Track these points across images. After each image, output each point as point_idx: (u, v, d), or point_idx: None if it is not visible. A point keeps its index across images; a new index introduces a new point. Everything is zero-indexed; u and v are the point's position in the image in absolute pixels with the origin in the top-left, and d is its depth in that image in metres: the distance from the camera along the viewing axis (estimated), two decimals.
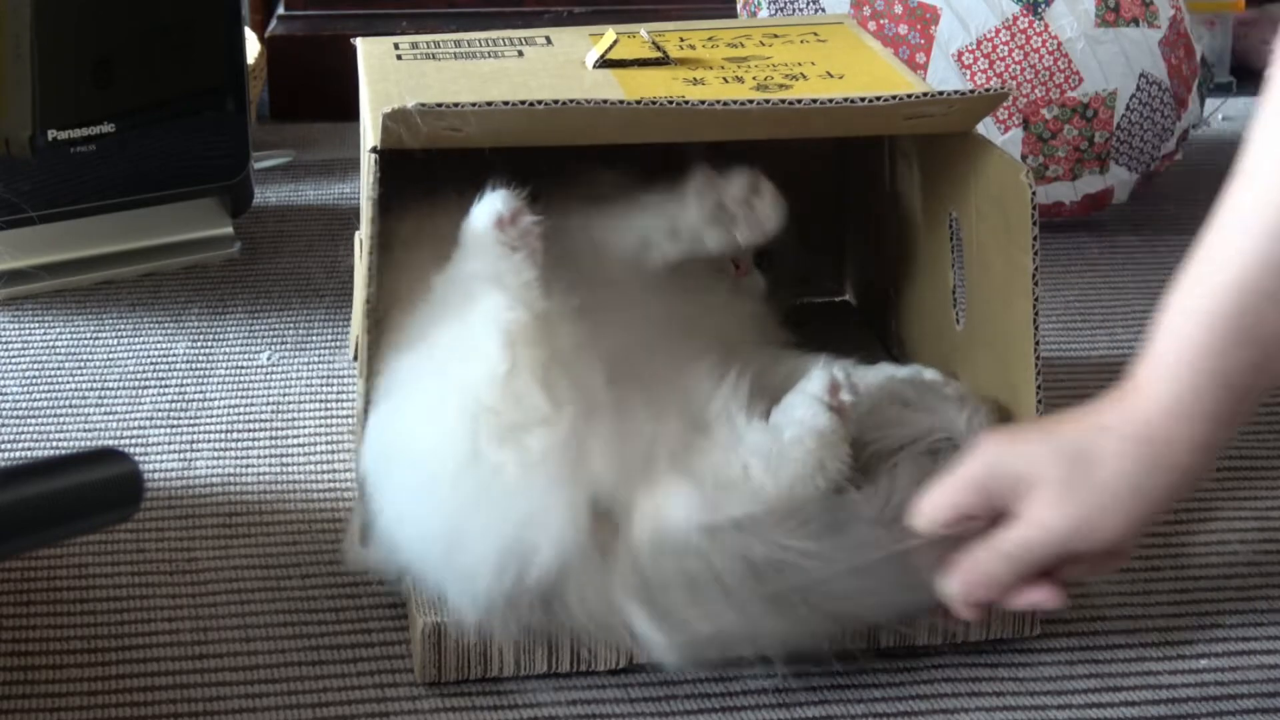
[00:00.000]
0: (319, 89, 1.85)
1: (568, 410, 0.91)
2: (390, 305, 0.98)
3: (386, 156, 0.97)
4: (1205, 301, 0.83)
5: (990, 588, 0.88)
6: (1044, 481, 0.85)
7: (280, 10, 1.91)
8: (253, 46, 1.75)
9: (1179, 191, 1.64)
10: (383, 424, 0.95)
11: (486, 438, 0.90)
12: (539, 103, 0.96)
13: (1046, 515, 0.85)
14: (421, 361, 0.94)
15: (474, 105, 0.95)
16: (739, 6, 1.59)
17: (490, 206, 0.93)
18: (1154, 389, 0.84)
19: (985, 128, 1.08)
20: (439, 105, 0.95)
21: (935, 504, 0.89)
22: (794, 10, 1.51)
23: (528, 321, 0.91)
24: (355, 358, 1.10)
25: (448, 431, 0.91)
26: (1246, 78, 1.95)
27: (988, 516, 0.88)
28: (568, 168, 1.07)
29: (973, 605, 0.89)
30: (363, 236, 1.05)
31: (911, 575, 0.90)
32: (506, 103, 0.96)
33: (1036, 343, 1.01)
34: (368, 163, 1.00)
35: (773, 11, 1.52)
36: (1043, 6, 1.46)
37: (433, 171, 1.03)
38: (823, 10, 1.49)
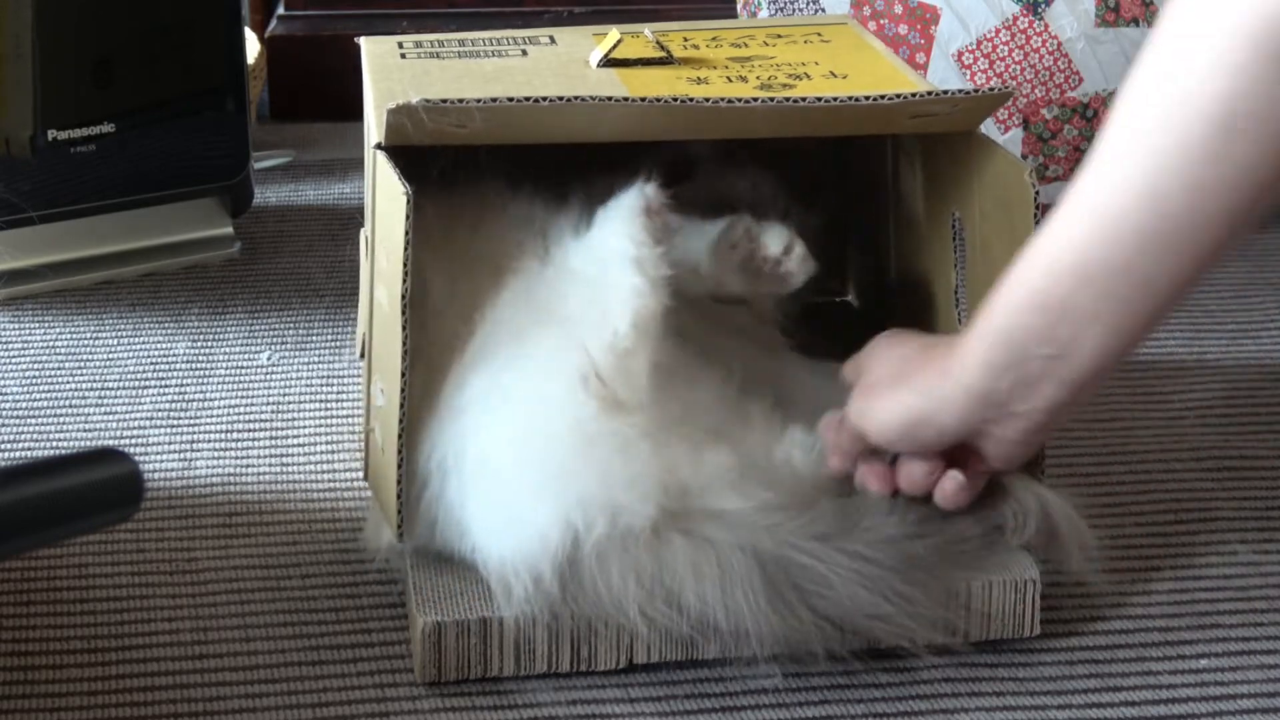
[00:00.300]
0: (319, 89, 1.85)
1: (660, 404, 0.96)
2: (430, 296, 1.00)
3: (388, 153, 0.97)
4: (1023, 264, 0.90)
5: (834, 453, 0.99)
6: (872, 373, 0.98)
7: (280, 10, 1.91)
8: (253, 46, 1.75)
9: None
10: (483, 376, 0.97)
11: (593, 402, 0.94)
12: (544, 99, 0.96)
13: (855, 396, 0.98)
14: (535, 317, 0.98)
15: (479, 101, 0.96)
16: (739, 6, 1.59)
17: (641, 193, 0.97)
18: (968, 336, 0.92)
19: (985, 128, 1.08)
20: (444, 101, 0.95)
21: (829, 447, 1.00)
22: (794, 10, 1.51)
23: (655, 312, 0.96)
24: (361, 355, 1.10)
25: (560, 385, 0.95)
26: None
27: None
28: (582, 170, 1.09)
29: (833, 468, 1.00)
30: (369, 234, 1.05)
31: (911, 581, 0.95)
32: (511, 99, 0.96)
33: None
34: (373, 160, 1.00)
35: (773, 11, 1.52)
36: (1043, 6, 1.46)
37: (430, 169, 1.03)
38: (823, 10, 1.49)
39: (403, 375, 0.95)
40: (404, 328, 0.95)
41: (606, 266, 0.97)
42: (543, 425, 0.95)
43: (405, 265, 0.94)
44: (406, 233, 0.93)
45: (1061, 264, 0.88)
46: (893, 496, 0.98)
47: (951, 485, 0.97)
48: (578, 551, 0.93)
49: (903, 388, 0.95)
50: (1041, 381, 0.90)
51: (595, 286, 0.97)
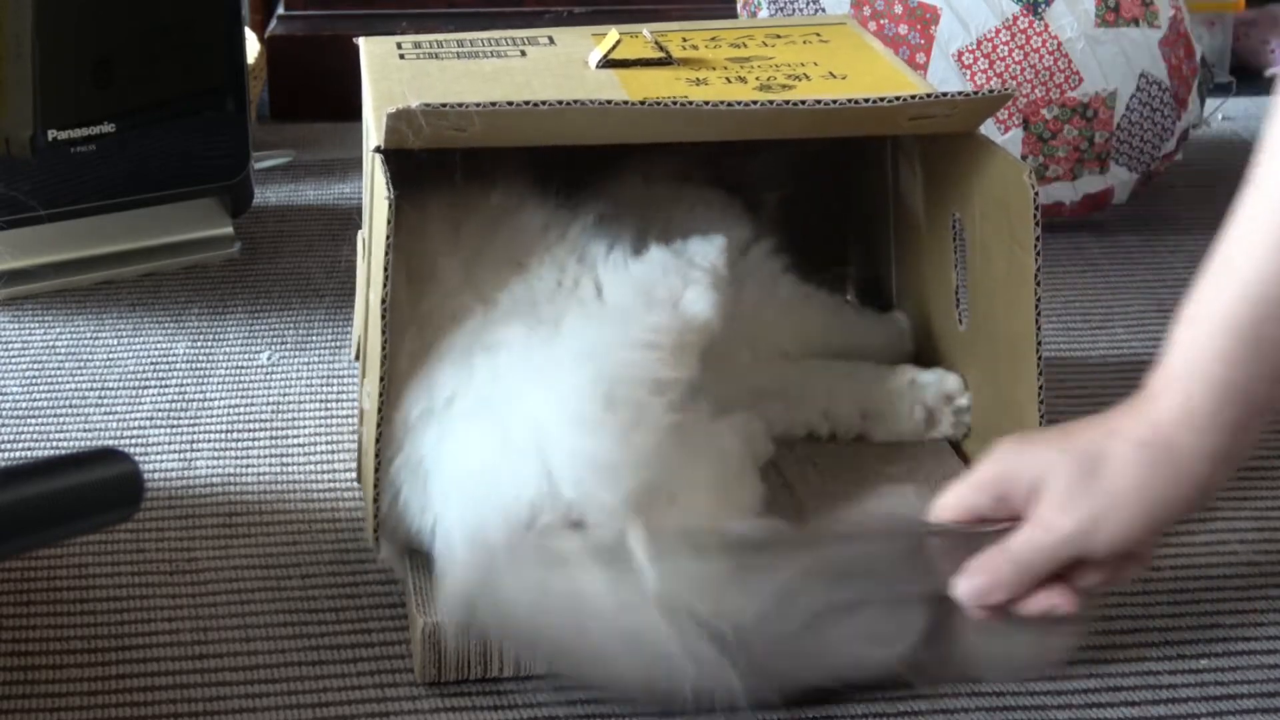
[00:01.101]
0: (319, 89, 1.85)
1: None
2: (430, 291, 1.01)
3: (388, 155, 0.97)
4: (1216, 311, 0.83)
5: (1000, 589, 0.88)
6: (1053, 484, 0.86)
7: (280, 10, 1.91)
8: (253, 46, 1.75)
9: (1179, 191, 1.64)
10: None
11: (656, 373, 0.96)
12: (543, 103, 0.96)
13: (1053, 517, 0.86)
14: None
15: (478, 105, 0.95)
16: (739, 6, 1.59)
17: (721, 240, 1.02)
18: (1166, 398, 0.85)
19: (984, 128, 1.08)
20: (444, 105, 0.95)
21: (949, 505, 0.89)
22: (794, 10, 1.51)
23: (711, 331, 0.98)
24: (356, 357, 1.10)
25: (635, 354, 0.96)
26: (1246, 78, 1.95)
27: (1001, 519, 0.88)
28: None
29: (985, 608, 0.89)
30: (366, 235, 1.05)
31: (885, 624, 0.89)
32: (510, 103, 0.96)
33: (1039, 343, 1.01)
34: (371, 162, 1.00)
35: (773, 11, 1.52)
36: (1043, 6, 1.46)
37: (429, 169, 1.03)
38: (823, 10, 1.49)
39: (381, 379, 0.95)
40: (384, 332, 0.95)
41: (684, 274, 1.00)
42: (609, 388, 0.95)
43: (386, 270, 0.94)
44: (387, 237, 0.93)
45: (1272, 299, 0.82)
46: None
47: (1148, 553, 0.90)
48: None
49: (1130, 482, 0.84)
50: (1261, 422, 0.84)
51: (675, 278, 1.00)
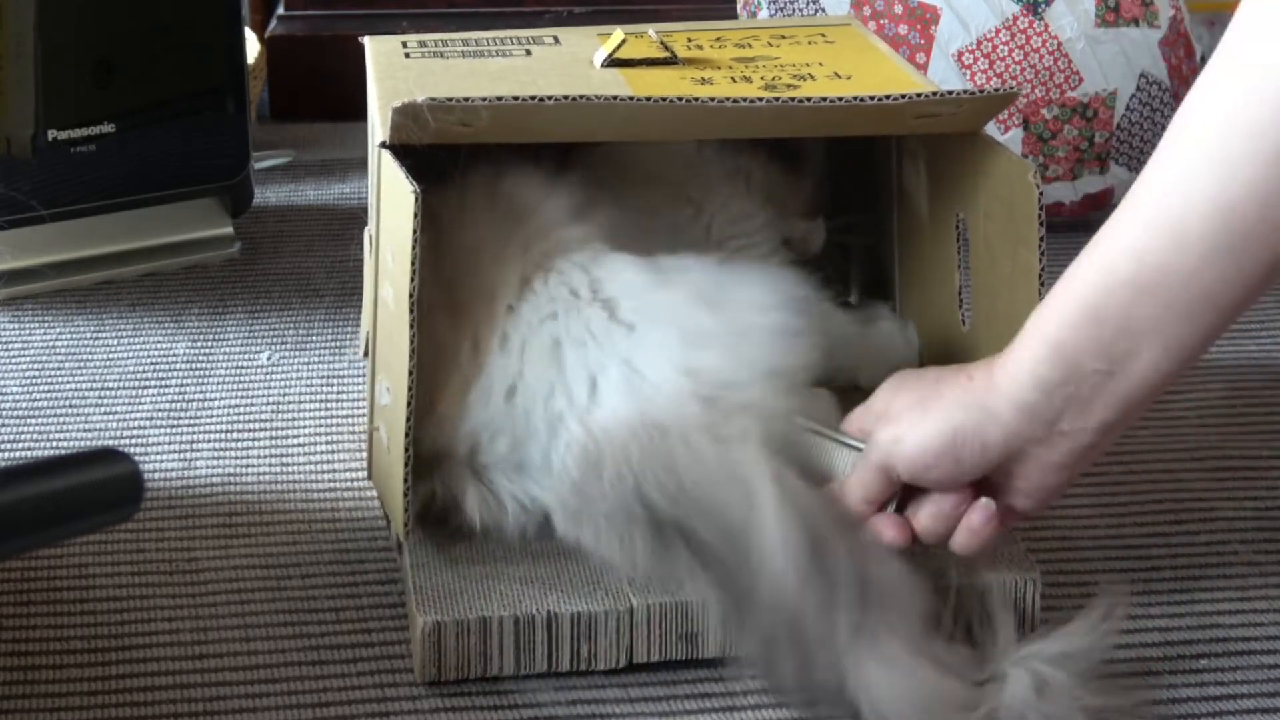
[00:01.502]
0: (319, 89, 1.85)
1: None
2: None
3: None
4: (1074, 276, 0.87)
5: (851, 503, 0.94)
6: (896, 404, 0.94)
7: (280, 10, 1.91)
8: (253, 46, 1.75)
9: None
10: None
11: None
12: (549, 98, 0.96)
13: (879, 428, 0.93)
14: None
15: (484, 100, 0.96)
16: (739, 6, 1.59)
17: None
18: (1015, 348, 0.89)
19: (985, 128, 1.08)
20: (450, 100, 0.95)
21: (849, 423, 0.97)
22: (794, 10, 1.51)
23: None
24: (365, 354, 1.10)
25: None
26: None
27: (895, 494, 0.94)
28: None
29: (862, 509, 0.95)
30: (374, 231, 1.05)
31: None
32: (517, 98, 0.96)
33: None
34: (378, 158, 1.00)
35: (773, 12, 1.52)
36: (1043, 6, 1.46)
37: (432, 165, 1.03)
38: (823, 10, 1.49)
39: (410, 373, 0.95)
40: (411, 325, 0.95)
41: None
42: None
43: (413, 264, 0.94)
44: (414, 231, 0.93)
45: (1119, 274, 0.85)
46: (910, 548, 0.94)
47: (981, 516, 0.92)
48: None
49: (940, 408, 0.90)
50: (1094, 399, 0.87)
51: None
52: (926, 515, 0.93)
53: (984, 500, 0.92)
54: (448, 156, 1.04)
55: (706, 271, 1.03)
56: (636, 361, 0.99)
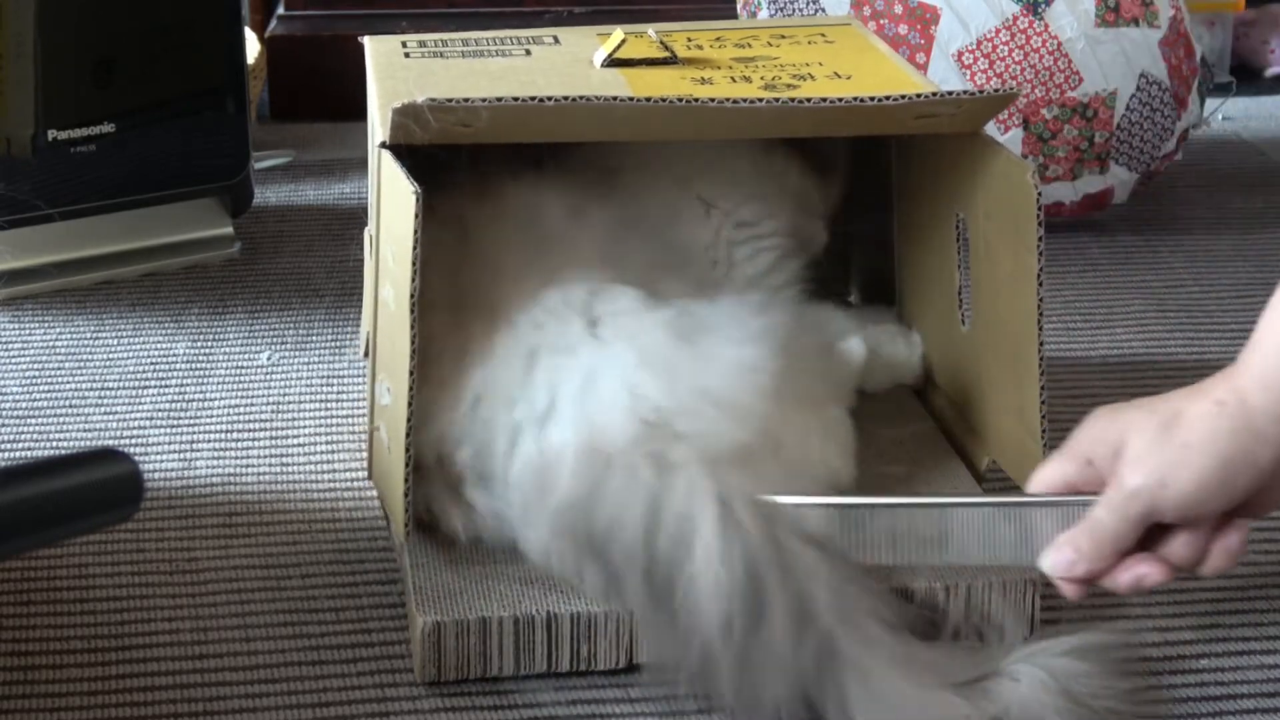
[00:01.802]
0: (319, 89, 1.85)
1: None
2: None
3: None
4: None
5: (1082, 560, 0.89)
6: (1133, 442, 0.87)
7: (280, 10, 1.91)
8: (253, 46, 1.75)
9: (1179, 191, 1.64)
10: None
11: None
12: (550, 99, 0.96)
13: (1127, 474, 0.87)
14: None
15: (485, 100, 0.96)
16: (739, 6, 1.59)
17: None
18: (1249, 361, 0.86)
19: (985, 128, 1.08)
20: (450, 100, 0.95)
21: (1045, 477, 0.91)
22: (794, 10, 1.51)
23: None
24: (366, 354, 1.10)
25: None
26: (1246, 78, 1.95)
27: (1092, 488, 0.89)
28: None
29: (1073, 582, 0.90)
30: (374, 231, 1.05)
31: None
32: (517, 98, 0.96)
33: (1041, 344, 1.01)
34: (378, 158, 1.00)
35: (773, 12, 1.52)
36: (1043, 6, 1.46)
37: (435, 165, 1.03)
38: (823, 10, 1.49)
39: (410, 374, 0.95)
40: (412, 326, 0.95)
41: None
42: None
43: (414, 264, 0.94)
44: (415, 231, 0.93)
45: None
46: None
47: (1239, 538, 0.89)
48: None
49: (1200, 442, 0.85)
50: None
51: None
52: (1182, 546, 0.89)
53: (1239, 522, 0.89)
54: (448, 157, 1.04)
55: (698, 303, 1.02)
56: (595, 376, 0.98)
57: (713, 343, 0.99)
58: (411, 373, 0.95)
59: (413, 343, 0.95)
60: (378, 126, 1.02)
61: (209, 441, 1.21)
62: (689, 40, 1.15)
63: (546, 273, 1.02)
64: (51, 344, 1.35)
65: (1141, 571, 0.89)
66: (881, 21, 1.47)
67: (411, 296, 0.94)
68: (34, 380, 1.29)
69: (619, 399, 0.97)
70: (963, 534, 0.91)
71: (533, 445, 0.98)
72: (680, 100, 0.98)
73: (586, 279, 1.02)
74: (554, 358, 0.99)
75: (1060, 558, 0.89)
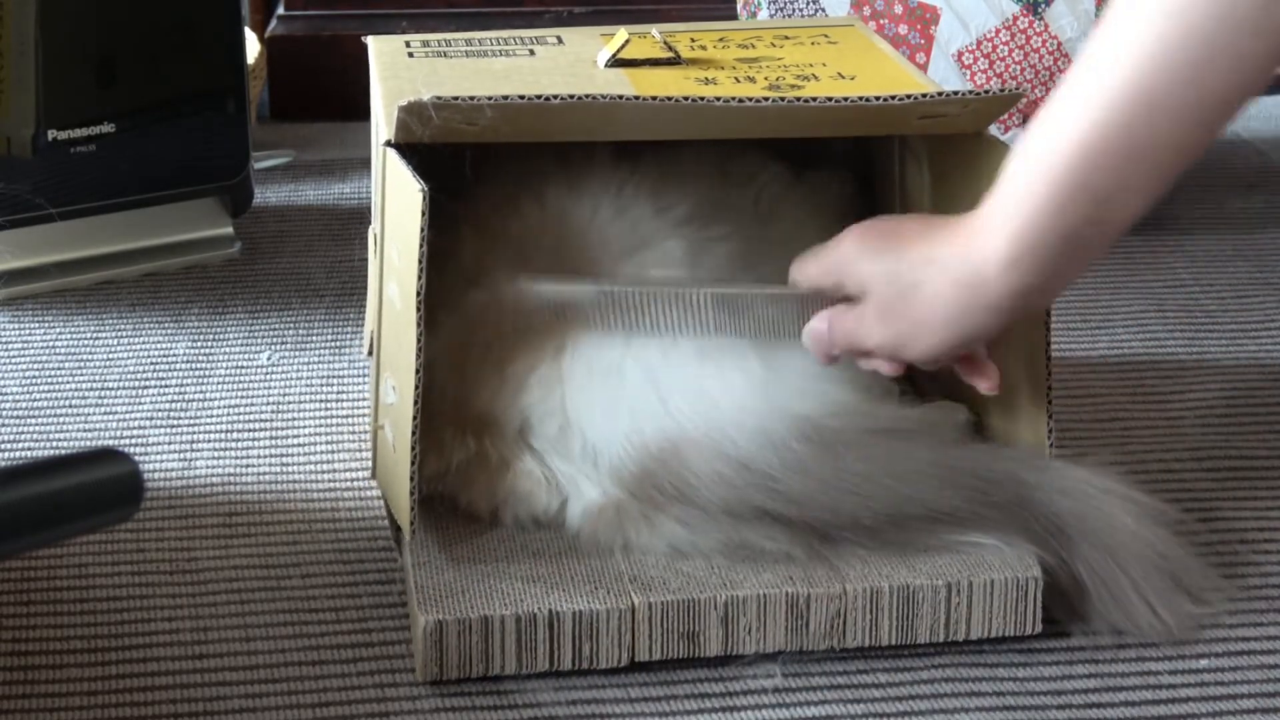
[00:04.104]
0: (319, 89, 1.85)
1: None
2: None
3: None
4: (1050, 157, 0.88)
5: (830, 351, 1.00)
6: (874, 297, 0.95)
7: (280, 10, 1.91)
8: (253, 46, 1.75)
9: (1179, 191, 1.64)
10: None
11: None
12: (554, 97, 0.96)
13: (871, 324, 0.96)
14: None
15: (490, 99, 0.96)
16: (739, 6, 1.59)
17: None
18: (988, 237, 0.91)
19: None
20: (455, 99, 0.95)
21: (801, 274, 1.01)
22: (794, 10, 1.51)
23: None
24: (370, 353, 1.10)
25: None
26: None
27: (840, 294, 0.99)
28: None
29: (819, 353, 1.00)
30: (378, 231, 1.05)
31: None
32: (522, 97, 0.96)
33: (1048, 344, 1.01)
34: (382, 157, 1.00)
35: (773, 12, 1.52)
36: (1043, 6, 1.46)
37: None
38: (823, 11, 1.49)
39: (416, 372, 0.95)
40: (418, 324, 0.95)
41: None
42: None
43: (420, 262, 0.94)
44: (422, 230, 0.93)
45: (1110, 148, 0.87)
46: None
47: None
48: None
49: (936, 321, 0.93)
50: (1078, 264, 0.91)
51: None
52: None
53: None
54: (453, 156, 1.04)
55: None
56: (706, 385, 1.02)
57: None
58: (418, 371, 0.95)
59: (418, 341, 0.95)
60: (382, 125, 1.02)
61: (209, 441, 1.21)
62: (692, 41, 1.15)
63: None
64: (51, 344, 1.35)
65: (881, 368, 0.99)
66: (881, 21, 1.47)
67: (417, 294, 0.94)
68: (34, 380, 1.29)
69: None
70: (721, 315, 1.02)
71: (654, 432, 1.01)
72: (685, 100, 0.98)
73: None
74: (645, 349, 1.02)
75: (812, 341, 1.00)
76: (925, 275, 0.93)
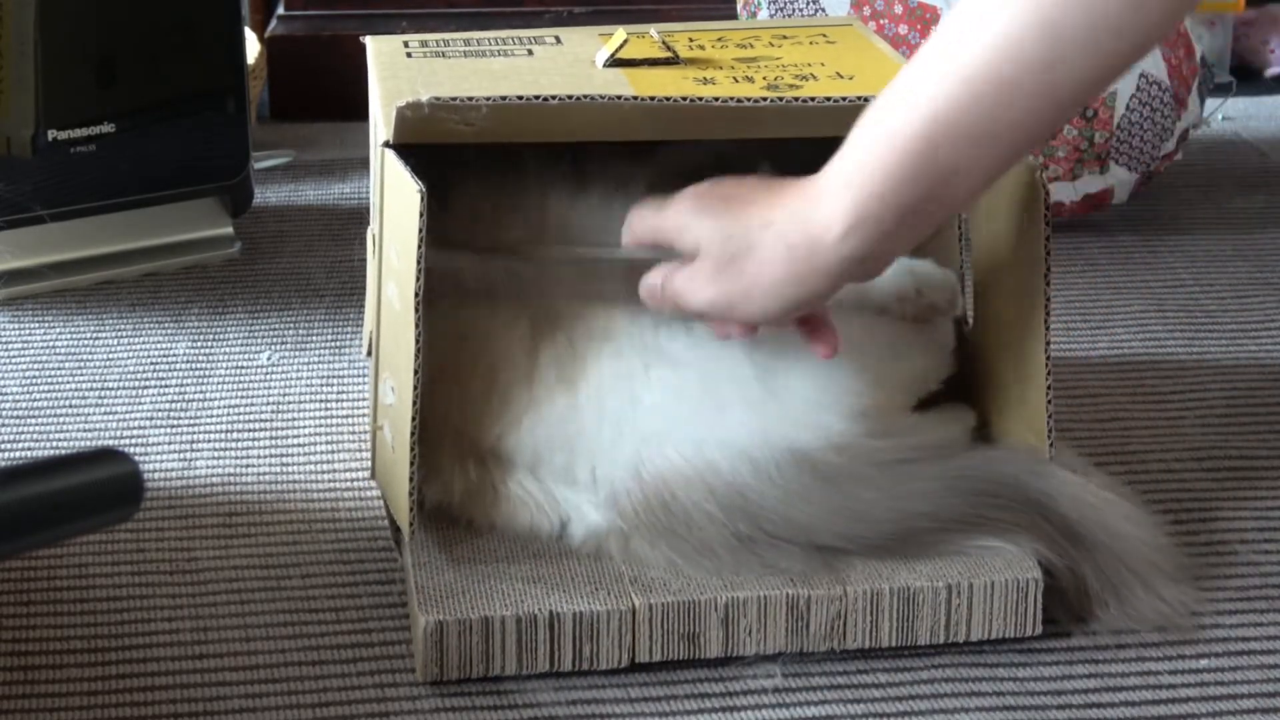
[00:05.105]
0: (319, 89, 1.85)
1: None
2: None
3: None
4: (895, 129, 0.89)
5: (662, 303, 0.98)
6: (707, 256, 0.94)
7: (280, 10, 1.91)
8: (253, 46, 1.75)
9: (1179, 191, 1.64)
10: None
11: None
12: (553, 97, 0.96)
13: (702, 284, 0.95)
14: None
15: (488, 99, 0.96)
16: (739, 6, 1.59)
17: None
18: (826, 204, 0.91)
19: None
20: (453, 99, 0.95)
21: (634, 230, 0.99)
22: (794, 10, 1.50)
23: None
24: (369, 353, 1.10)
25: None
26: (1246, 78, 1.95)
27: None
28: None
29: (653, 307, 0.99)
30: (377, 231, 1.05)
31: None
32: (520, 97, 0.96)
33: (1048, 343, 1.01)
34: (381, 158, 1.00)
35: (773, 12, 1.52)
36: None
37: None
38: (823, 11, 1.49)
39: (415, 372, 0.95)
40: (417, 325, 0.95)
41: None
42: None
43: (419, 263, 0.94)
44: (420, 230, 0.93)
45: (961, 126, 0.87)
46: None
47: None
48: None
49: (767, 284, 0.93)
50: (913, 236, 0.92)
51: None
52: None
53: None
54: (453, 155, 1.04)
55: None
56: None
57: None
58: (416, 371, 0.95)
59: (417, 341, 0.95)
60: (380, 125, 1.02)
61: (209, 441, 1.21)
62: (691, 40, 1.15)
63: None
64: (51, 344, 1.35)
65: (727, 330, 0.99)
66: (881, 21, 1.47)
67: (416, 295, 0.94)
68: (34, 380, 1.29)
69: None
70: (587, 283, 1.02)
71: (660, 460, 1.00)
72: (684, 100, 0.98)
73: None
74: (661, 368, 1.02)
75: (646, 296, 0.99)
76: (760, 238, 0.93)
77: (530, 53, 1.13)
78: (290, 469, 1.18)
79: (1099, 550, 0.99)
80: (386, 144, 0.98)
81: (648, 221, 0.98)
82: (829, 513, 0.98)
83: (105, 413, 1.25)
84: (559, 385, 1.01)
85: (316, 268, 1.48)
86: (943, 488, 1.00)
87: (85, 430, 1.23)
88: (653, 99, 0.98)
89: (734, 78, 1.07)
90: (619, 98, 0.99)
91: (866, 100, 0.99)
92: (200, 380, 1.29)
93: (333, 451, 1.20)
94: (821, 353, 0.99)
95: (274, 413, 1.25)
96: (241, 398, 1.27)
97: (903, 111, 0.88)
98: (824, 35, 1.18)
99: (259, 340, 1.36)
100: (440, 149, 1.00)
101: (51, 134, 1.40)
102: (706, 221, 0.95)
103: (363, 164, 1.63)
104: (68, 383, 1.29)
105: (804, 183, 0.93)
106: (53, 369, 1.31)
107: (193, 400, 1.27)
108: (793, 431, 1.00)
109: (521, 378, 1.02)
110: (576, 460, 1.01)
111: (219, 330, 1.37)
